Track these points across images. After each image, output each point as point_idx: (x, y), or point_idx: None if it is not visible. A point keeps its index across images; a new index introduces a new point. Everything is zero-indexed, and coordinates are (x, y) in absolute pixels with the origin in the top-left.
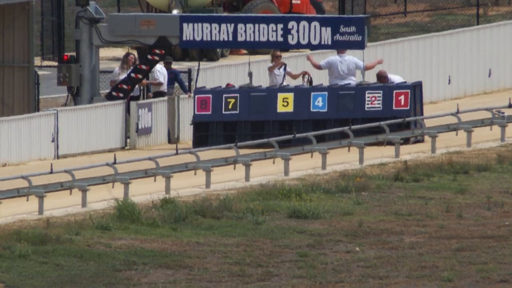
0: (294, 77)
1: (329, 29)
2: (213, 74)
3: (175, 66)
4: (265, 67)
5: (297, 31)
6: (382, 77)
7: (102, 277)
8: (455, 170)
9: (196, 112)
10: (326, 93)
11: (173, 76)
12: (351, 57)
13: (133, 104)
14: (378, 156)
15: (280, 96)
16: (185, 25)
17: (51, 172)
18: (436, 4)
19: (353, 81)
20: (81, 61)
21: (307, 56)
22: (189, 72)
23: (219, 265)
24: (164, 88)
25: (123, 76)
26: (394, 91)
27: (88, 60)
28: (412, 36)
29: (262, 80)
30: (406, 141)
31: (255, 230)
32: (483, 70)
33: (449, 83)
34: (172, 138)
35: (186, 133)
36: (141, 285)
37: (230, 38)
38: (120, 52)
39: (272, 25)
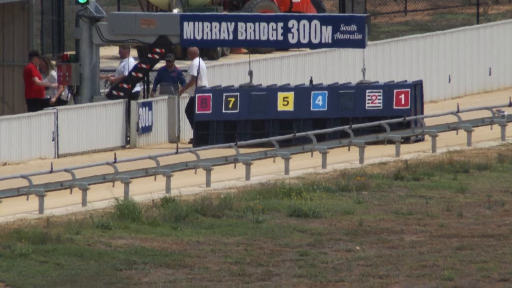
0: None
1: (329, 27)
2: (214, 73)
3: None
4: (265, 66)
5: (298, 30)
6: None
7: (103, 276)
8: (455, 169)
9: (196, 111)
10: (326, 92)
11: (176, 75)
12: None
13: (133, 103)
14: (379, 155)
15: (281, 95)
16: (185, 24)
17: (51, 171)
18: (436, 3)
19: None
20: (81, 60)
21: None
22: None
23: (220, 264)
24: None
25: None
26: (395, 90)
27: (88, 59)
28: (412, 35)
29: (262, 79)
30: (406, 140)
31: (256, 229)
32: (483, 69)
33: (449, 82)
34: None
35: (187, 132)
36: (141, 284)
37: (231, 37)
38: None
39: (272, 24)
